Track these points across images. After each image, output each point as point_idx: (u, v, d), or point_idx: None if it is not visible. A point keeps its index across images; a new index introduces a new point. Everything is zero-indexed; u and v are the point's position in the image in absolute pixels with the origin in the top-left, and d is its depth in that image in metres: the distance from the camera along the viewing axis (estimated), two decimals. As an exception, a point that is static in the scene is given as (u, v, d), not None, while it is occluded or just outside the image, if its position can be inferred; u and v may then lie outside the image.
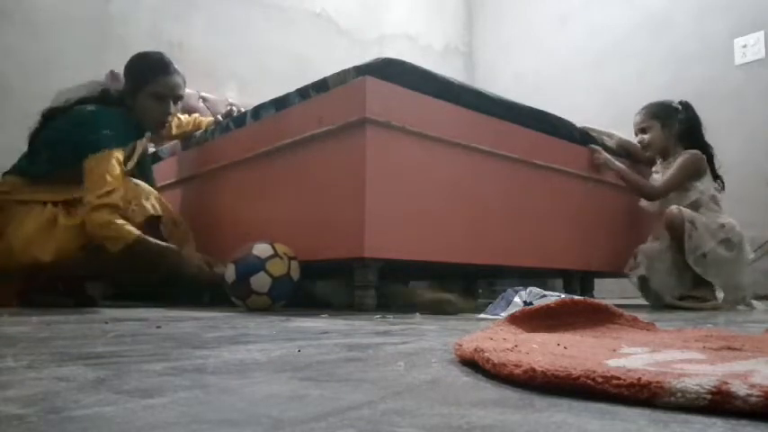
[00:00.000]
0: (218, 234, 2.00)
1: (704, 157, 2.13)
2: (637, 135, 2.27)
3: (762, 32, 3.14)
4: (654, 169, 2.29)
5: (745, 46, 3.18)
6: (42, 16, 2.29)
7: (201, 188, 2.15)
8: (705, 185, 2.10)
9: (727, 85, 3.17)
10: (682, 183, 2.11)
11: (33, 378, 0.46)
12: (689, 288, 2.01)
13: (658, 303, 2.08)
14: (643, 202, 2.26)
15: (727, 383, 0.35)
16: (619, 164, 2.21)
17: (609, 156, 2.20)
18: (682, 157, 2.12)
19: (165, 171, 2.25)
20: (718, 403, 0.34)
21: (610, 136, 2.41)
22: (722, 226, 1.99)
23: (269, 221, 1.82)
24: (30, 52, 1.89)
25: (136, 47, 1.99)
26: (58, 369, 0.51)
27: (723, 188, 2.22)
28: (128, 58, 1.87)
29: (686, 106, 2.23)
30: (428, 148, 1.64)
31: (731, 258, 1.97)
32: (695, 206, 2.05)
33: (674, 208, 2.00)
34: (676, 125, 2.19)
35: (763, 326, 1.04)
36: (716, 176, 2.20)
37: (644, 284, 2.13)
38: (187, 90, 1.99)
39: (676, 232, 1.97)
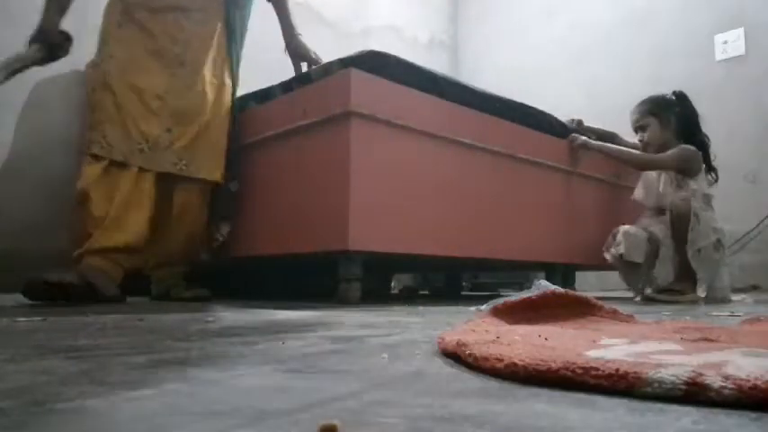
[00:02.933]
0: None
1: (699, 153, 2.12)
2: (636, 133, 2.26)
3: (742, 29, 3.17)
4: None
5: (725, 42, 3.22)
6: (18, 2, 2.25)
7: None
8: (699, 184, 2.09)
9: (708, 80, 3.21)
10: (670, 166, 2.11)
11: (14, 371, 0.46)
12: (669, 281, 2.03)
13: (637, 286, 2.10)
14: (636, 195, 2.26)
15: (702, 375, 0.36)
16: (598, 142, 2.22)
17: (586, 138, 2.22)
18: (678, 148, 2.11)
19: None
20: (693, 394, 0.35)
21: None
22: (715, 229, 2.02)
23: (252, 215, 1.81)
24: (4, 40, 1.86)
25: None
26: (39, 362, 0.50)
27: (716, 180, 2.22)
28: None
29: (681, 97, 2.21)
30: (413, 140, 1.65)
31: (717, 260, 2.01)
32: None
33: (680, 200, 1.99)
34: (673, 119, 2.17)
35: (738, 318, 1.06)
36: (710, 168, 2.20)
37: (628, 268, 2.11)
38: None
39: (681, 222, 1.96)
